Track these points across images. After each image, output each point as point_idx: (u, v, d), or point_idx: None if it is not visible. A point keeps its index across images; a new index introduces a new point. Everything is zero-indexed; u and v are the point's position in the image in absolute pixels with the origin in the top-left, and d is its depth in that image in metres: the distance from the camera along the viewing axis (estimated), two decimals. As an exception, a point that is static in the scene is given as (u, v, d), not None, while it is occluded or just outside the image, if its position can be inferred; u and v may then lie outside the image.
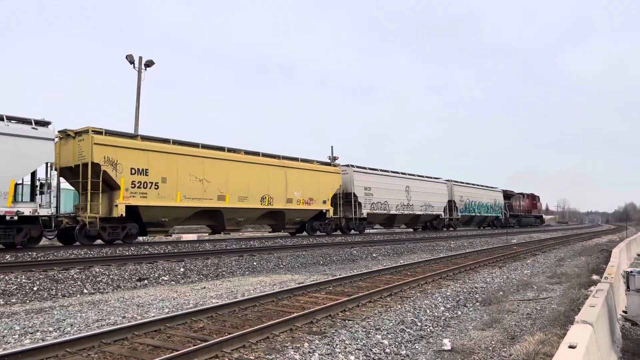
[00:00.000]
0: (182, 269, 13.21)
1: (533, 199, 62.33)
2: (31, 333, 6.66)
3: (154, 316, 7.41)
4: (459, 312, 8.83)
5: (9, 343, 6.17)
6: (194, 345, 5.42)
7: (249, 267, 14.78)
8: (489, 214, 46.18)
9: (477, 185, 44.59)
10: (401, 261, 17.02)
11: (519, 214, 55.68)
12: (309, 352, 5.54)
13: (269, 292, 9.17)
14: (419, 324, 7.51)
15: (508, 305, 9.28)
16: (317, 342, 5.97)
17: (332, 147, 53.79)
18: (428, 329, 7.37)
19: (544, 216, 74.83)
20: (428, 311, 8.34)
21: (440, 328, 7.62)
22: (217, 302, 8.42)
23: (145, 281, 11.82)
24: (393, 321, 7.33)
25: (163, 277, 12.34)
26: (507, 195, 52.23)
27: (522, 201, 57.90)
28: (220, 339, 5.58)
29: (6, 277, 10.27)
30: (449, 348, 6.40)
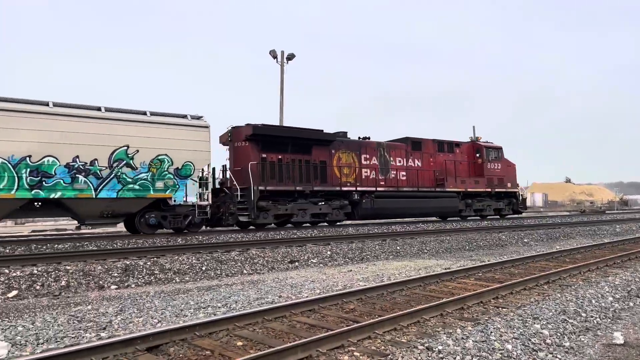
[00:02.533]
0: (329, 252, 13.76)
1: (472, 151, 26.01)
2: (203, 308, 7.47)
3: (307, 296, 7.83)
4: (631, 304, 7.91)
5: (186, 316, 7.00)
6: (347, 326, 5.63)
7: (392, 252, 14.86)
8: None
9: None
10: (557, 247, 15.74)
11: (385, 190, 21.44)
12: (462, 338, 5.42)
13: (415, 277, 9.13)
14: (584, 314, 6.89)
15: (694, 298, 8.08)
16: (470, 328, 5.81)
17: (473, 127, 50.45)
18: (594, 321, 6.73)
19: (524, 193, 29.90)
20: (593, 301, 7.61)
21: (609, 320, 6.92)
22: (365, 285, 8.63)
23: (296, 263, 12.54)
24: (553, 310, 6.83)
25: (312, 260, 12.98)
26: (283, 140, 18.74)
27: (407, 157, 23.00)
28: (372, 320, 5.71)
29: (180, 258, 11.65)
30: (622, 342, 5.79)
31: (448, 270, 9.96)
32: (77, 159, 14.10)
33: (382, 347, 5.13)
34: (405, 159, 22.92)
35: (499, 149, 26.99)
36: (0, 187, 13.01)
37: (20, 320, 6.75)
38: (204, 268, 11.36)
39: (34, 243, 13.14)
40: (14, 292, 8.92)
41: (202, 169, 16.17)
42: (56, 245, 12.88)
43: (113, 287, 9.82)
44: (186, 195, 15.68)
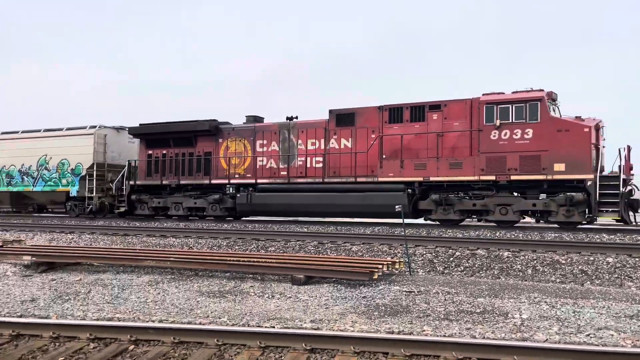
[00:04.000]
0: None
1: (474, 114, 14.61)
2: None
3: None
4: None
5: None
6: None
7: None
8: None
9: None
10: None
11: (269, 183, 17.95)
12: None
13: None
14: None
15: None
16: None
17: None
18: None
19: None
20: None
21: None
22: None
23: None
24: None
25: None
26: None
27: (327, 137, 17.08)
28: None
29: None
30: None
31: None
32: (23, 166, 22.26)
33: None
34: (323, 140, 17.19)
35: (529, 103, 13.97)
36: None
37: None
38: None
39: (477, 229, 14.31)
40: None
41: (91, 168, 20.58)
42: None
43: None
44: (81, 189, 20.61)
